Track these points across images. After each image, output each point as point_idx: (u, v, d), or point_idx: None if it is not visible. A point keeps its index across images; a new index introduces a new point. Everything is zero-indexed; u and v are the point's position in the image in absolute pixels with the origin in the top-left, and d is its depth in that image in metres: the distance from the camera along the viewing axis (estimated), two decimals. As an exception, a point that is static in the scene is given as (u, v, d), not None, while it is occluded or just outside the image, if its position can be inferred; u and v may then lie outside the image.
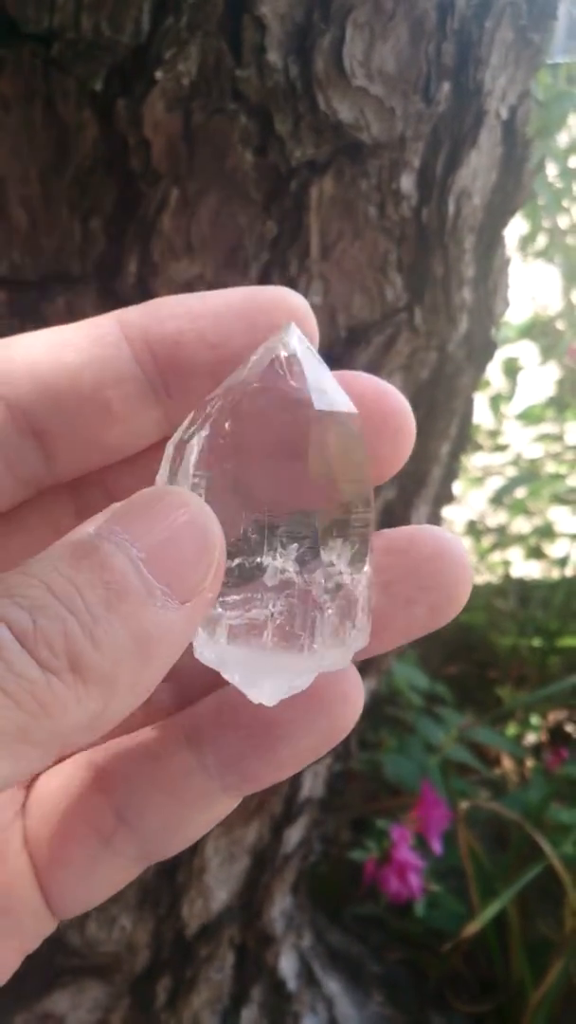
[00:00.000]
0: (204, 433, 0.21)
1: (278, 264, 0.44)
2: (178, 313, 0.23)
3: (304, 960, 0.81)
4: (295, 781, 0.62)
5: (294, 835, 0.67)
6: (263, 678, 0.22)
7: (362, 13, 0.41)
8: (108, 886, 0.25)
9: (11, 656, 0.17)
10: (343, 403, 0.22)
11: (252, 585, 0.21)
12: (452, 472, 0.59)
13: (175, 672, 0.22)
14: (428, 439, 0.54)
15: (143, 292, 0.43)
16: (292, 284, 0.45)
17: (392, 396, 0.23)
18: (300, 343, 0.22)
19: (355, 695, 0.23)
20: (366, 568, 0.22)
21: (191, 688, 0.25)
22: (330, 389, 0.22)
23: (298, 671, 0.22)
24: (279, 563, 0.21)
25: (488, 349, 0.56)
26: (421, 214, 0.46)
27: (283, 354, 0.21)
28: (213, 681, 0.23)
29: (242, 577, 0.21)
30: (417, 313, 0.48)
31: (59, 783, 0.25)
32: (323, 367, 0.22)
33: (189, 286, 0.43)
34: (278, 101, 0.41)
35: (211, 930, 0.63)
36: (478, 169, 0.48)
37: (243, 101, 0.41)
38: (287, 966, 0.76)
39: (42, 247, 0.42)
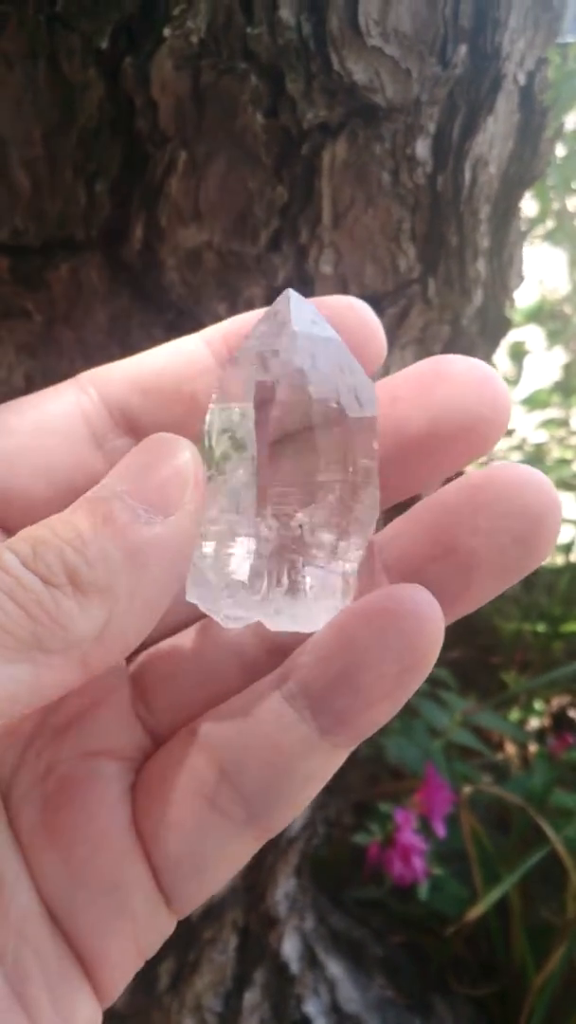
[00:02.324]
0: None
1: (288, 232, 0.43)
2: (251, 319, 0.27)
3: (307, 943, 0.80)
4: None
5: (298, 819, 0.66)
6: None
7: (378, -31, 0.39)
8: (220, 858, 0.24)
9: (16, 572, 0.20)
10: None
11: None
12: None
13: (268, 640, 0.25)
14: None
15: (149, 259, 0.42)
16: (303, 253, 0.43)
17: (494, 379, 0.25)
18: (293, 316, 0.24)
19: (429, 612, 0.22)
20: (344, 536, 0.24)
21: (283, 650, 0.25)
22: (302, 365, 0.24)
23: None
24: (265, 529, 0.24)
25: (502, 325, 0.55)
26: (436, 182, 0.45)
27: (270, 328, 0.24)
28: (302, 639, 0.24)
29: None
30: (431, 285, 0.47)
31: (164, 753, 0.25)
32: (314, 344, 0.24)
33: (197, 253, 0.42)
34: (290, 60, 0.40)
35: (215, 912, 0.63)
36: (495, 136, 0.47)
37: (254, 60, 0.39)
38: (290, 948, 0.76)
39: (45, 212, 0.41)
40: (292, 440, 0.24)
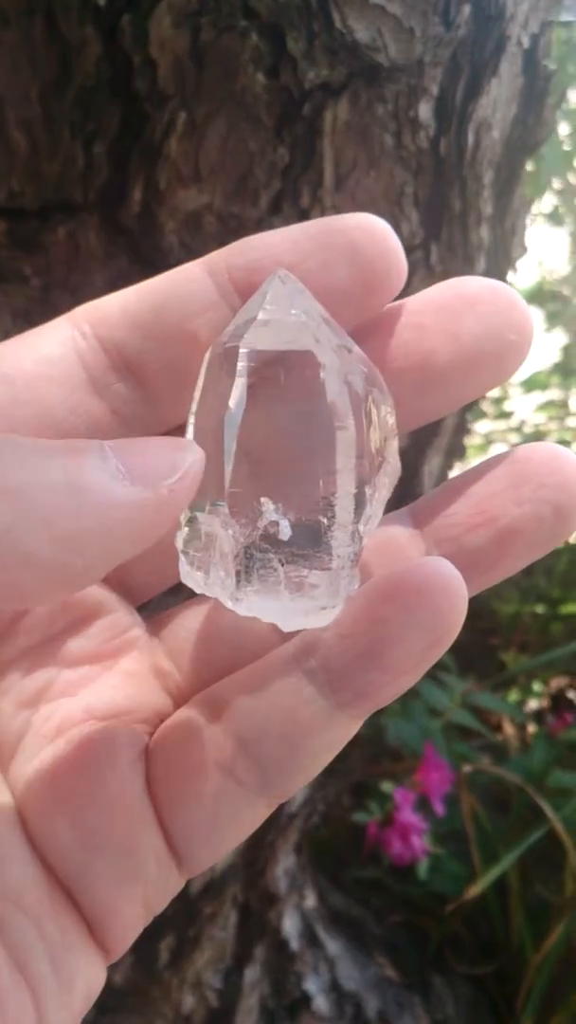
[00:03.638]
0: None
1: (290, 194, 0.42)
2: (256, 244, 0.25)
3: (306, 921, 0.80)
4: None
5: (298, 795, 0.66)
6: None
7: None
8: (234, 825, 0.24)
9: None
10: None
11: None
12: (463, 423, 0.57)
13: None
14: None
15: (148, 222, 0.41)
16: (304, 215, 0.43)
17: (517, 302, 0.24)
18: (274, 292, 0.23)
19: (456, 585, 0.22)
20: (344, 527, 0.23)
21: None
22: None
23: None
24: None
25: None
26: (439, 145, 0.44)
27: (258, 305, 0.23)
28: None
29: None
30: (433, 251, 0.46)
31: (180, 720, 0.25)
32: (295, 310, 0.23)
33: (196, 216, 0.41)
34: (291, 18, 0.39)
35: (215, 888, 0.63)
36: (498, 100, 0.46)
37: (254, 18, 0.39)
38: (290, 926, 0.76)
39: (43, 173, 0.40)
40: (274, 425, 0.23)
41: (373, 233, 0.24)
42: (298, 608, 0.23)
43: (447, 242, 0.47)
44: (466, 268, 0.48)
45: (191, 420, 0.24)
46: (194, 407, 0.24)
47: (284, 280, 0.23)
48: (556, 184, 1.11)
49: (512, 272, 0.53)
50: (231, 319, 0.24)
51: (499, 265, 0.51)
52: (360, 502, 0.23)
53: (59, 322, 0.25)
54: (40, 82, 0.39)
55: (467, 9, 0.43)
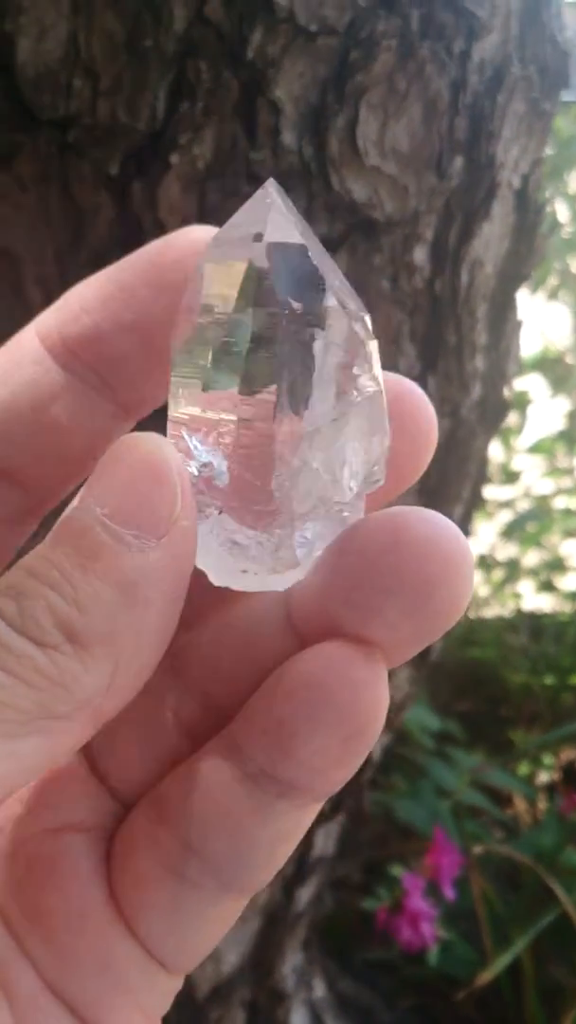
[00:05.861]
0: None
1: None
2: (88, 304, 0.23)
3: (315, 1012, 0.80)
4: (307, 840, 0.62)
5: (305, 894, 0.66)
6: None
7: (376, 94, 0.41)
8: (203, 926, 0.22)
9: (7, 640, 0.18)
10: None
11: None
12: (465, 534, 0.58)
13: (206, 693, 0.23)
14: (441, 504, 0.54)
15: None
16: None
17: (416, 395, 0.22)
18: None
19: (365, 675, 0.19)
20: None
21: (226, 704, 0.23)
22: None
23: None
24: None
25: (501, 410, 0.56)
26: (434, 285, 0.47)
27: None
28: (246, 691, 0.22)
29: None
30: (430, 382, 0.48)
31: (129, 824, 0.23)
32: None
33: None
34: (292, 181, 0.41)
35: (222, 992, 0.62)
36: (490, 239, 0.48)
37: (258, 182, 0.41)
38: (298, 1022, 0.75)
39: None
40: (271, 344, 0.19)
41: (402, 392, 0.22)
42: (226, 567, 0.21)
43: (443, 373, 0.49)
44: (462, 394, 0.50)
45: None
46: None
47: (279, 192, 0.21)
48: (556, 265, 1.14)
49: (507, 390, 0.55)
50: (88, 394, 0.22)
51: (495, 386, 0.53)
52: (320, 441, 0.19)
53: None
54: (55, 242, 0.41)
55: (459, 161, 0.45)
